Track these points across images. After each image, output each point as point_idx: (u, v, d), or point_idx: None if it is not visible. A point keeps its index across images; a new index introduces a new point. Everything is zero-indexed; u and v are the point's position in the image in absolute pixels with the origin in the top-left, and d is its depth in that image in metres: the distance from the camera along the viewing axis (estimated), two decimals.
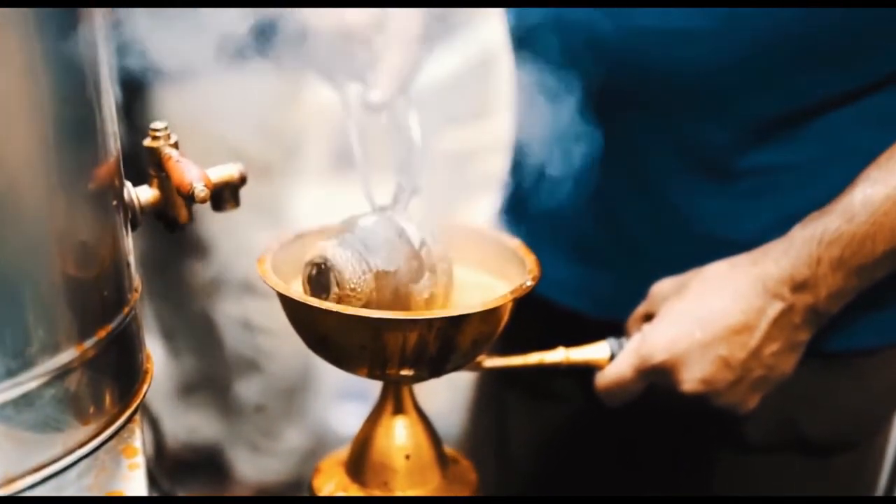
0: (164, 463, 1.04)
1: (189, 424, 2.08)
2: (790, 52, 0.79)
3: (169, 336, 2.02)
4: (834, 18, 0.77)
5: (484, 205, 1.27)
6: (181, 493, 2.04)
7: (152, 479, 0.95)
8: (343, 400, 2.19)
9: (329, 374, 2.04)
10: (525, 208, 0.78)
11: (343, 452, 0.77)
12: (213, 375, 2.05)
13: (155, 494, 0.93)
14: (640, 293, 0.85)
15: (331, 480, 0.74)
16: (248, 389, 2.07)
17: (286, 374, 1.96)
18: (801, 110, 0.82)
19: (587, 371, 0.83)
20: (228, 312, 1.89)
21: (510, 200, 1.02)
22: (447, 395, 0.75)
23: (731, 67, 0.80)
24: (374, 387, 0.73)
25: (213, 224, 1.71)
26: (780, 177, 0.85)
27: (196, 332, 2.01)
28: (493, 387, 1.10)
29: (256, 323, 1.92)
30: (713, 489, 0.95)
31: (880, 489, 1.03)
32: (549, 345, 0.79)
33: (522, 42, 0.92)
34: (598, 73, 0.79)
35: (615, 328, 0.83)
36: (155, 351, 0.66)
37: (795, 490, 0.92)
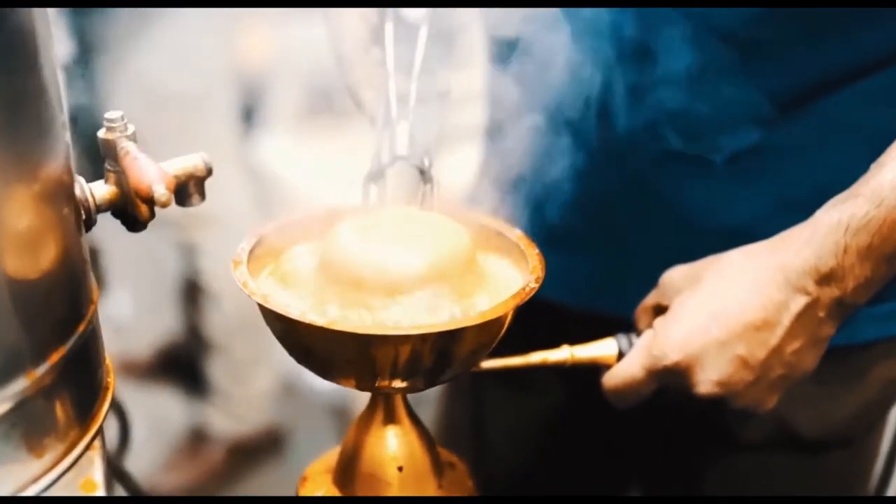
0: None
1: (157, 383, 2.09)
2: (788, 26, 0.73)
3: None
4: None
5: (462, 157, 1.22)
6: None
7: (121, 475, 0.90)
8: None
9: None
10: (499, 191, 0.73)
11: (330, 458, 0.71)
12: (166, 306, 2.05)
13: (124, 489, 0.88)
14: (623, 284, 0.79)
15: (318, 491, 0.68)
16: (210, 327, 2.04)
17: (244, 310, 1.93)
18: (800, 89, 0.77)
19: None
20: (176, 240, 1.88)
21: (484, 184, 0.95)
22: None
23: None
24: None
25: None
26: (776, 158, 0.79)
27: (145, 263, 2.00)
28: (470, 377, 1.04)
29: (207, 249, 1.89)
30: (703, 485, 0.91)
31: (872, 487, 1.00)
32: (526, 342, 0.73)
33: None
34: (577, 49, 0.72)
35: (596, 321, 0.77)
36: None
37: (788, 488, 0.89)
